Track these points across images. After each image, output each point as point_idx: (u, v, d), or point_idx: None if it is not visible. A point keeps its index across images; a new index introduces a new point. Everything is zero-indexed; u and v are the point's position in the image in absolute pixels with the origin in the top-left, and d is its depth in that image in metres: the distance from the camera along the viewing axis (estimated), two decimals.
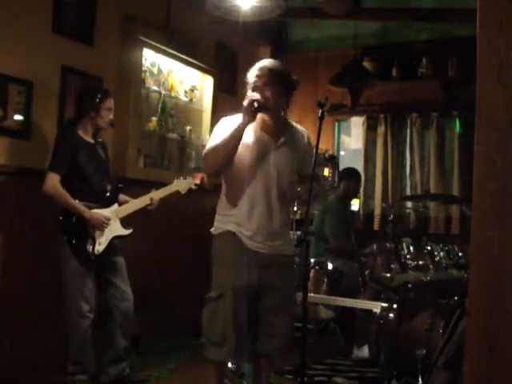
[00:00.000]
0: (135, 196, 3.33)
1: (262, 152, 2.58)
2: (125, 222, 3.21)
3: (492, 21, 1.39)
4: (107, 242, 3.10)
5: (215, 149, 2.53)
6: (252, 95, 2.49)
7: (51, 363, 3.24)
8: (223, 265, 2.63)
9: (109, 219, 3.11)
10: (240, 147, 2.54)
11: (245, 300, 2.57)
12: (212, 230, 2.70)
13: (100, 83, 3.70)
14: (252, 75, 2.59)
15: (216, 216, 2.71)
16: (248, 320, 2.60)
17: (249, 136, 2.57)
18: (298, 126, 2.78)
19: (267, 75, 2.56)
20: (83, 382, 3.06)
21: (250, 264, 2.56)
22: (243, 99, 2.51)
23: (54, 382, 3.17)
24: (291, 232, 4.52)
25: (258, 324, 2.64)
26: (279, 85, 2.57)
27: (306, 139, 2.74)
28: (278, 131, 2.63)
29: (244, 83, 2.63)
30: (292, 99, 2.68)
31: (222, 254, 2.65)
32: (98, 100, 3.11)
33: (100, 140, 3.29)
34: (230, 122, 2.59)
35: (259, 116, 2.56)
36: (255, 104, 2.46)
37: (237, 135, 2.49)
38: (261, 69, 2.58)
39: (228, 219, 2.63)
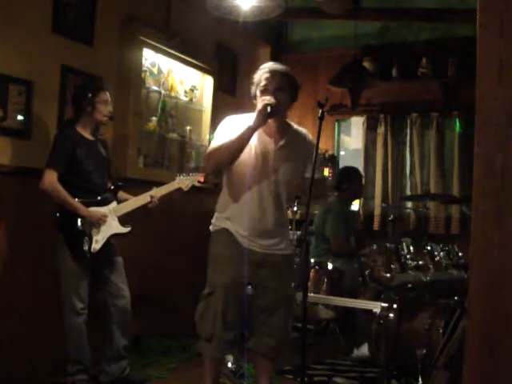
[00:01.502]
0: (135, 196, 3.32)
1: (262, 154, 2.59)
2: (124, 220, 3.21)
3: (492, 21, 1.39)
4: (104, 240, 3.08)
5: (220, 149, 2.53)
6: (267, 99, 2.48)
7: (51, 363, 3.25)
8: (217, 262, 2.64)
9: (106, 217, 3.10)
10: None
11: (236, 298, 2.58)
12: (210, 227, 2.72)
13: (100, 83, 3.70)
14: (261, 77, 2.57)
15: (214, 214, 2.73)
16: (241, 318, 2.61)
17: (251, 137, 2.57)
18: (300, 129, 2.78)
19: (279, 79, 2.56)
20: (83, 381, 3.06)
21: (244, 262, 2.56)
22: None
23: (53, 382, 3.17)
24: (291, 232, 4.56)
25: (253, 322, 2.65)
26: (290, 90, 2.59)
27: (308, 142, 2.73)
28: (280, 134, 2.64)
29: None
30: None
31: (216, 252, 2.66)
32: (90, 95, 3.11)
33: (101, 137, 3.29)
34: (235, 122, 2.59)
35: None
36: (269, 108, 2.45)
37: (245, 138, 2.49)
38: (272, 71, 2.57)
39: (225, 217, 2.65)
